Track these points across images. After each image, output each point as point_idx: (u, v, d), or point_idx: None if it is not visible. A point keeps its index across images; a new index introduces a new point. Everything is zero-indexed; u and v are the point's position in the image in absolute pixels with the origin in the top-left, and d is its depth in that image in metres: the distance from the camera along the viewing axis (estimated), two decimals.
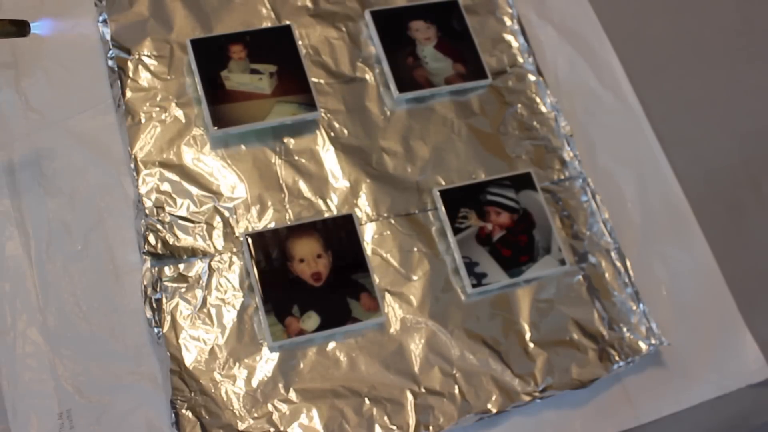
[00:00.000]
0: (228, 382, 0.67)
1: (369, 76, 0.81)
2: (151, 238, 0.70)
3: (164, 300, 0.68)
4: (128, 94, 0.75)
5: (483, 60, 0.82)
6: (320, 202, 0.75)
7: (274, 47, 0.78)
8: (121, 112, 0.74)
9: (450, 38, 0.83)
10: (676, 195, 0.84)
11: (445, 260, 0.75)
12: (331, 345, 0.70)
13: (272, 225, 0.73)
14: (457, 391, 0.70)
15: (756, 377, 0.78)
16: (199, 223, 0.72)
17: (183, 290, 0.69)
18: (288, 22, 0.80)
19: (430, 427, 0.68)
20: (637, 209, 0.82)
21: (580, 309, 0.76)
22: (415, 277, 0.74)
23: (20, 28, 0.62)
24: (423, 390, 0.70)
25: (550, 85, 0.85)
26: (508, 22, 0.87)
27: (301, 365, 0.69)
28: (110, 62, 0.76)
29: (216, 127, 0.73)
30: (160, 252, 0.70)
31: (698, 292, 0.80)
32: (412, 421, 0.68)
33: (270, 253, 0.70)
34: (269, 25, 0.80)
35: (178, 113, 0.75)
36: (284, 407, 0.67)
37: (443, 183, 0.78)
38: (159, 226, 0.70)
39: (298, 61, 0.77)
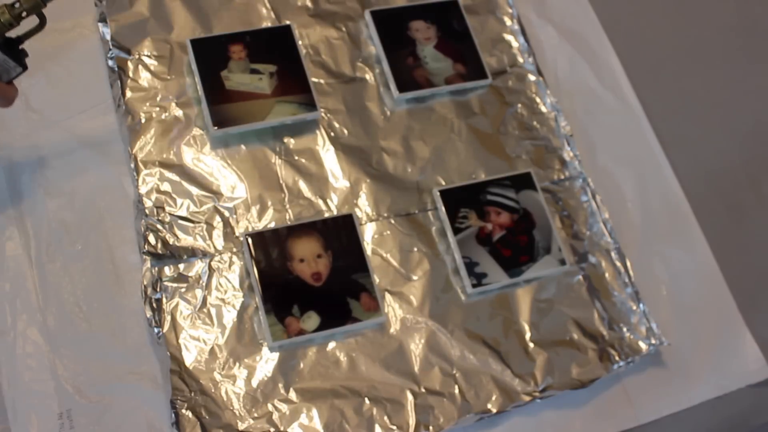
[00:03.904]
0: (228, 382, 0.67)
1: (369, 76, 0.81)
2: (151, 238, 0.70)
3: (164, 300, 0.68)
4: (128, 94, 0.75)
5: (483, 60, 0.82)
6: (320, 202, 0.75)
7: (274, 47, 0.78)
8: (121, 112, 0.74)
9: (450, 38, 0.83)
10: (676, 195, 0.84)
11: (445, 260, 0.75)
12: (331, 345, 0.70)
13: (272, 225, 0.73)
14: (457, 391, 0.70)
15: (756, 377, 0.78)
16: (199, 223, 0.72)
17: (183, 290, 0.69)
18: (288, 22, 0.80)
19: (430, 427, 0.68)
20: (637, 209, 0.82)
21: (580, 309, 0.76)
22: (415, 277, 0.74)
23: None
24: (423, 390, 0.70)
25: (550, 85, 0.85)
26: (508, 22, 0.87)
27: (301, 365, 0.69)
28: (110, 62, 0.76)
29: (216, 127, 0.73)
30: (160, 252, 0.70)
31: (698, 292, 0.80)
32: (412, 421, 0.68)
33: (270, 253, 0.70)
34: (269, 25, 0.80)
35: (178, 113, 0.75)
36: (284, 407, 0.67)
37: (443, 183, 0.78)
38: (159, 226, 0.70)
39: (298, 61, 0.77)
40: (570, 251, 0.78)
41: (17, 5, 0.60)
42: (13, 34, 0.62)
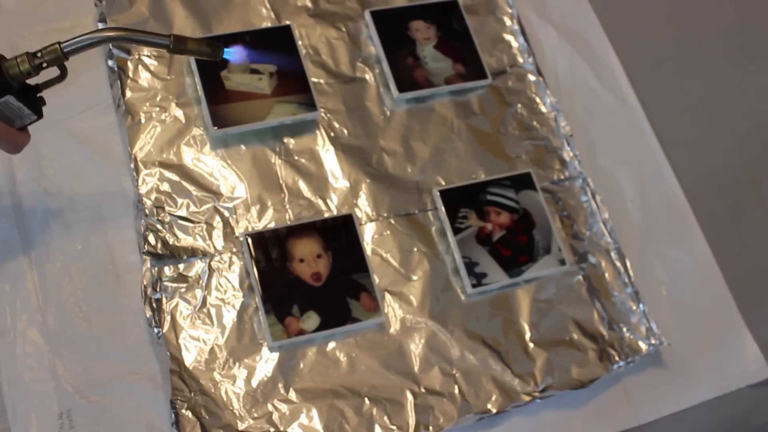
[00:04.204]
0: (228, 382, 0.67)
1: (369, 76, 0.81)
2: (151, 238, 0.70)
3: (164, 300, 0.68)
4: (128, 94, 0.75)
5: (483, 60, 0.82)
6: (320, 202, 0.75)
7: (274, 47, 0.78)
8: (121, 112, 0.74)
9: (450, 38, 0.83)
10: (676, 195, 0.84)
11: (445, 260, 0.75)
12: (331, 345, 0.70)
13: (272, 225, 0.73)
14: (457, 391, 0.70)
15: (756, 377, 0.78)
16: (199, 223, 0.72)
17: (183, 290, 0.69)
18: (288, 22, 0.80)
19: (430, 427, 0.68)
20: (637, 209, 0.82)
21: (580, 309, 0.76)
22: (415, 277, 0.74)
23: (215, 50, 0.61)
24: (423, 390, 0.70)
25: (550, 85, 0.85)
26: (508, 22, 0.87)
27: (301, 365, 0.69)
28: (110, 62, 0.76)
29: (216, 127, 0.73)
30: (160, 252, 0.70)
31: (698, 292, 0.80)
32: (412, 421, 0.68)
33: (270, 253, 0.70)
34: (269, 25, 0.80)
35: (178, 113, 0.75)
36: (284, 407, 0.67)
37: (443, 183, 0.78)
38: (159, 226, 0.70)
39: (298, 61, 0.77)
40: (570, 251, 0.78)
41: (39, 55, 0.58)
42: (32, 81, 0.60)
